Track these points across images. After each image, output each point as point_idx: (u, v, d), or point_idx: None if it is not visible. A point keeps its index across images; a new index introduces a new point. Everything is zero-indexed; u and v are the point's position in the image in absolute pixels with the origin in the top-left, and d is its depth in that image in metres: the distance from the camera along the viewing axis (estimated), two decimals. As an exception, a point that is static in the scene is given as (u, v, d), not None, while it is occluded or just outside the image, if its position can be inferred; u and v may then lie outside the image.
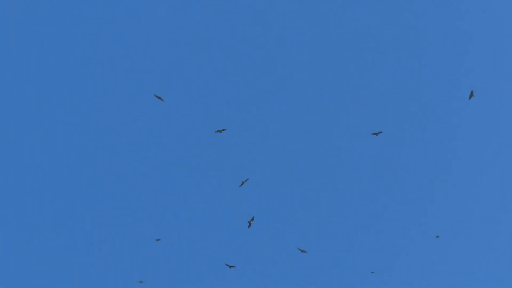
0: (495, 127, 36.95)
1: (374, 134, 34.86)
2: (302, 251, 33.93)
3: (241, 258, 34.75)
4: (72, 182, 36.02)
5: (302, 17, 38.26)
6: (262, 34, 38.16)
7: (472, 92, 32.01)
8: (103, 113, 36.72)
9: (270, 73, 37.70)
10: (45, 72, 37.34)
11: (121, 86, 36.98)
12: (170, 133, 36.16)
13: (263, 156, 36.47)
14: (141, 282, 34.32)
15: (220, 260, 34.43)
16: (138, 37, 37.68)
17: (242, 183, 33.48)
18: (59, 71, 37.36)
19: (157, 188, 36.03)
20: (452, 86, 37.00)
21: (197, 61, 37.54)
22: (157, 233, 35.36)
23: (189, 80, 37.40)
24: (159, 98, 31.87)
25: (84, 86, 37.12)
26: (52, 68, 37.43)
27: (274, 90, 37.51)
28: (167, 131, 36.13)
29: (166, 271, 35.00)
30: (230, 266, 33.78)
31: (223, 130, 33.45)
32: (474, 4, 38.19)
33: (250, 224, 33.14)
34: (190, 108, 36.70)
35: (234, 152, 36.32)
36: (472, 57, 37.70)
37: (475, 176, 36.77)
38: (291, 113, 37.19)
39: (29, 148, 36.41)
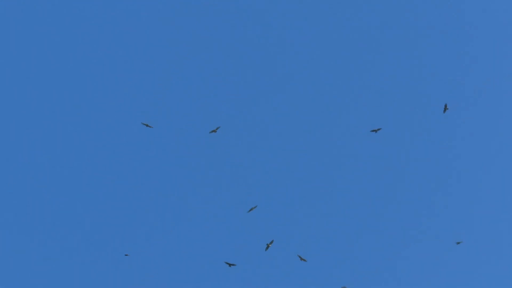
0: (496, 127, 36.87)
1: (373, 131, 34.72)
2: (302, 259, 33.80)
3: (241, 257, 34.77)
4: (69, 182, 36.28)
5: (302, 16, 38.32)
6: (261, 34, 38.26)
7: (446, 106, 32.19)
8: (100, 114, 36.96)
9: (268, 71, 37.76)
10: (44, 72, 37.65)
11: (119, 86, 37.19)
12: (169, 133, 36.30)
13: (262, 155, 36.50)
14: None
15: (220, 259, 34.46)
16: (137, 37, 37.90)
17: (251, 209, 33.63)
18: (59, 71, 37.68)
19: (156, 187, 36.18)
20: (452, 86, 36.95)
21: (196, 61, 37.69)
22: (157, 233, 35.50)
23: (187, 80, 37.55)
24: (147, 125, 31.96)
25: (82, 86, 37.37)
26: (52, 68, 37.73)
27: (272, 89, 37.56)
28: (166, 131, 36.29)
29: (166, 270, 35.09)
30: (230, 265, 33.66)
31: (217, 128, 33.52)
32: (474, 4, 38.15)
33: (268, 247, 33.17)
34: (189, 108, 36.85)
35: (232, 151, 36.40)
36: (472, 56, 37.66)
37: (476, 176, 36.70)
38: (289, 112, 37.24)
39: (21, 151, 36.72)
